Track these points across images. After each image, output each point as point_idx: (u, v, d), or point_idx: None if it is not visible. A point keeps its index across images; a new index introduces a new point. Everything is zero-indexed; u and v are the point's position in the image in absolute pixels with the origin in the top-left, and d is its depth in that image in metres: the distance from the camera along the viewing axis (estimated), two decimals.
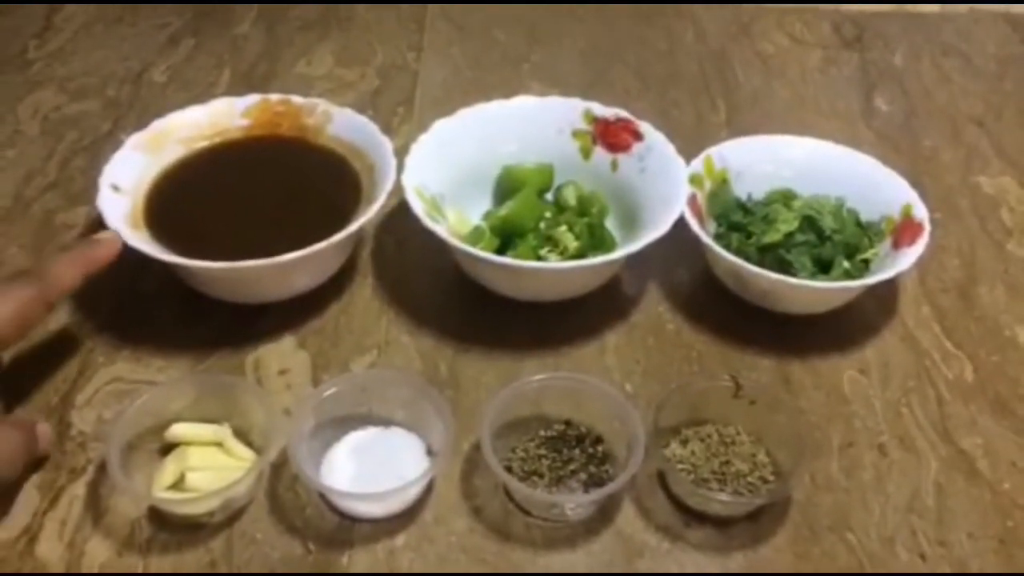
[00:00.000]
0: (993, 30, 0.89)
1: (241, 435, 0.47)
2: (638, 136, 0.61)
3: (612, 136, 0.61)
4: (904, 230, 0.57)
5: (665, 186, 0.57)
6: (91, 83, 0.77)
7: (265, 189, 0.59)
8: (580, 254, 0.56)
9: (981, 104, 0.79)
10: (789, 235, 0.57)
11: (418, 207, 0.53)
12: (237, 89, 0.75)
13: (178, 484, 0.45)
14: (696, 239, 0.55)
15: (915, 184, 0.59)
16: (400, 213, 0.58)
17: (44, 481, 0.47)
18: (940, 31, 0.88)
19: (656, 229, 0.53)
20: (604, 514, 0.47)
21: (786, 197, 0.60)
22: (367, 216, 0.53)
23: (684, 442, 0.49)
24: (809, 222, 0.57)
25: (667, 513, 0.47)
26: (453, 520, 0.46)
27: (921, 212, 0.57)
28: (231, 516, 0.46)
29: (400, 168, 0.56)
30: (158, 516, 0.45)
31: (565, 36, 0.85)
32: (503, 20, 0.88)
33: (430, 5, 0.89)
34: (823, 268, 0.56)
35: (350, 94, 0.76)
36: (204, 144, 0.60)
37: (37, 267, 0.48)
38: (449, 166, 0.59)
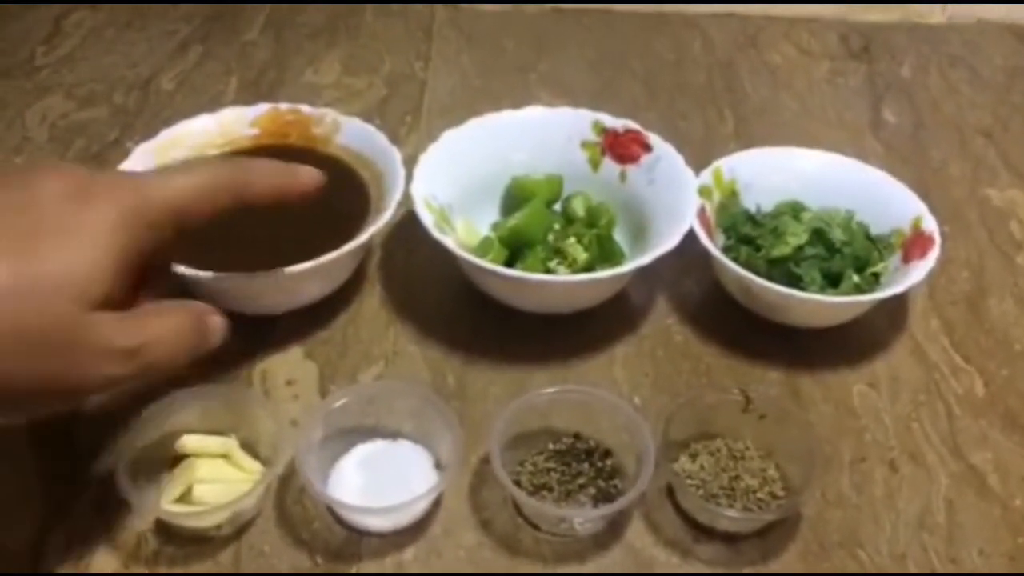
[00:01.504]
0: (1000, 42, 0.89)
1: (248, 447, 0.47)
2: (647, 147, 0.60)
3: (621, 147, 0.61)
4: (914, 243, 0.57)
5: (674, 198, 0.57)
6: (99, 90, 0.77)
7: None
8: (589, 266, 0.56)
9: (989, 116, 0.79)
10: (799, 248, 0.56)
11: (427, 218, 0.53)
12: (245, 96, 0.76)
13: (185, 497, 0.45)
14: (705, 251, 0.55)
15: (923, 196, 0.59)
16: (408, 223, 0.58)
17: (50, 493, 0.47)
18: (947, 42, 0.88)
19: (666, 241, 0.53)
20: (613, 529, 0.46)
21: (795, 209, 0.60)
22: (376, 226, 0.53)
23: (693, 456, 0.49)
24: (818, 235, 0.57)
25: (676, 528, 0.47)
26: (462, 534, 0.46)
27: (931, 225, 0.57)
28: (239, 529, 0.45)
29: (408, 178, 0.56)
30: (165, 529, 0.45)
31: (573, 45, 0.85)
32: (511, 29, 0.88)
33: (438, 14, 0.89)
34: (832, 281, 0.56)
35: (358, 102, 0.76)
36: (213, 153, 0.60)
37: (240, 160, 0.44)
38: (458, 176, 0.59)
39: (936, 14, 0.92)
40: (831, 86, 0.82)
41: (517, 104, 0.63)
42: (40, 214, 0.35)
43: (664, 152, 0.60)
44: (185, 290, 0.55)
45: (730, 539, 0.46)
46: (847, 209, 0.59)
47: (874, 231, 0.59)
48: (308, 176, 0.45)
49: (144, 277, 0.40)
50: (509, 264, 0.56)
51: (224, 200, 0.41)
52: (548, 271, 0.56)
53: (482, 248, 0.57)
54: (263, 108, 0.62)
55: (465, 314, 0.58)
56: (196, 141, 0.60)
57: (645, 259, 0.52)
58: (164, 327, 0.38)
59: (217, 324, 0.41)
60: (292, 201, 0.44)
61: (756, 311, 0.57)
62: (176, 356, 0.39)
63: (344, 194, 0.58)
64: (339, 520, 0.46)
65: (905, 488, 0.49)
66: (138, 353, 0.37)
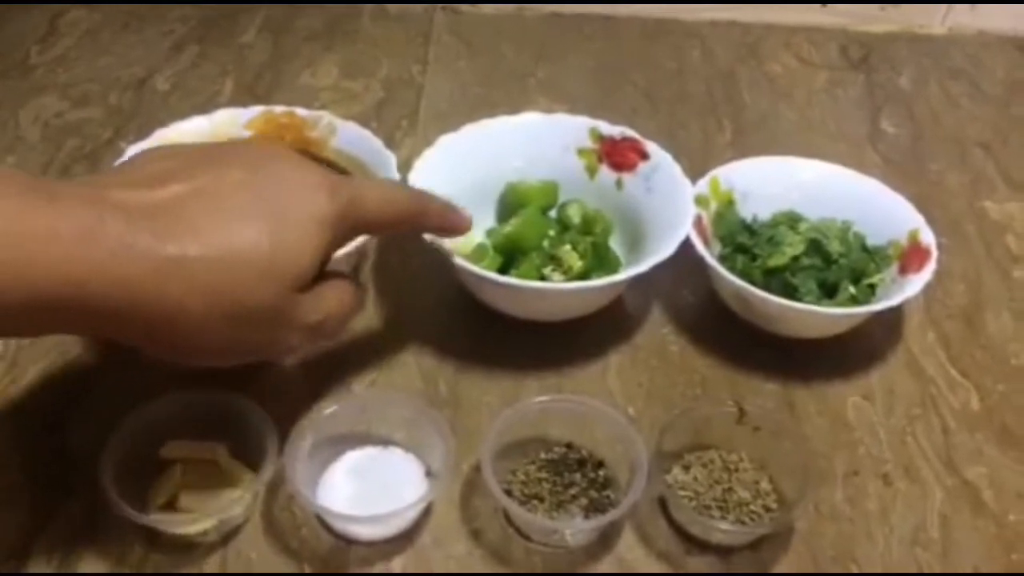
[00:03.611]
0: (1001, 54, 0.88)
1: (237, 454, 0.47)
2: (644, 156, 0.60)
3: (618, 155, 0.61)
4: (911, 256, 0.56)
5: (671, 207, 0.57)
6: (93, 90, 0.77)
7: None
8: (584, 274, 0.56)
9: (988, 128, 0.78)
10: (795, 258, 0.56)
11: None
12: (241, 99, 0.75)
13: (172, 503, 0.45)
14: (701, 260, 0.54)
15: (921, 208, 0.58)
16: None
17: (35, 498, 0.46)
18: (948, 54, 0.88)
19: (662, 250, 0.53)
20: (604, 540, 0.46)
21: (792, 220, 0.59)
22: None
23: (686, 468, 0.48)
24: (815, 246, 0.57)
25: (668, 540, 0.46)
26: (452, 543, 0.46)
27: (929, 238, 0.56)
28: (226, 536, 0.45)
29: (404, 183, 0.55)
30: (152, 535, 0.45)
31: (572, 53, 0.85)
32: (510, 35, 0.87)
33: (437, 19, 0.89)
34: (829, 292, 0.56)
35: (354, 106, 0.76)
36: None
37: (421, 191, 0.49)
38: (453, 182, 0.58)
39: (936, 25, 0.91)
40: (830, 96, 0.82)
41: (515, 110, 0.63)
42: (273, 195, 0.39)
43: (661, 160, 0.59)
44: None
45: (722, 552, 0.46)
46: (844, 220, 0.59)
47: (871, 242, 0.58)
48: (467, 220, 0.50)
49: None
50: (504, 271, 0.56)
51: (404, 226, 0.47)
52: (543, 278, 0.55)
53: (477, 254, 0.57)
54: (257, 110, 0.61)
55: (459, 321, 0.57)
56: (189, 142, 0.59)
57: (641, 268, 0.52)
58: (338, 301, 0.43)
59: (364, 295, 0.46)
60: (444, 235, 0.50)
61: (752, 321, 0.56)
62: (344, 325, 0.45)
63: None
64: (328, 528, 0.45)
65: (899, 503, 0.49)
66: (320, 327, 0.42)
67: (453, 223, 0.49)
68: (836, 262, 0.56)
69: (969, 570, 0.46)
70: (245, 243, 0.37)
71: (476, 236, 0.59)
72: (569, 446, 0.49)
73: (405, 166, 0.57)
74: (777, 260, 0.56)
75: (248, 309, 0.38)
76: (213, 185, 0.38)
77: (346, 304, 0.43)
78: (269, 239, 0.38)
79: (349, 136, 0.60)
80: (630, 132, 0.61)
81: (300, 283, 0.39)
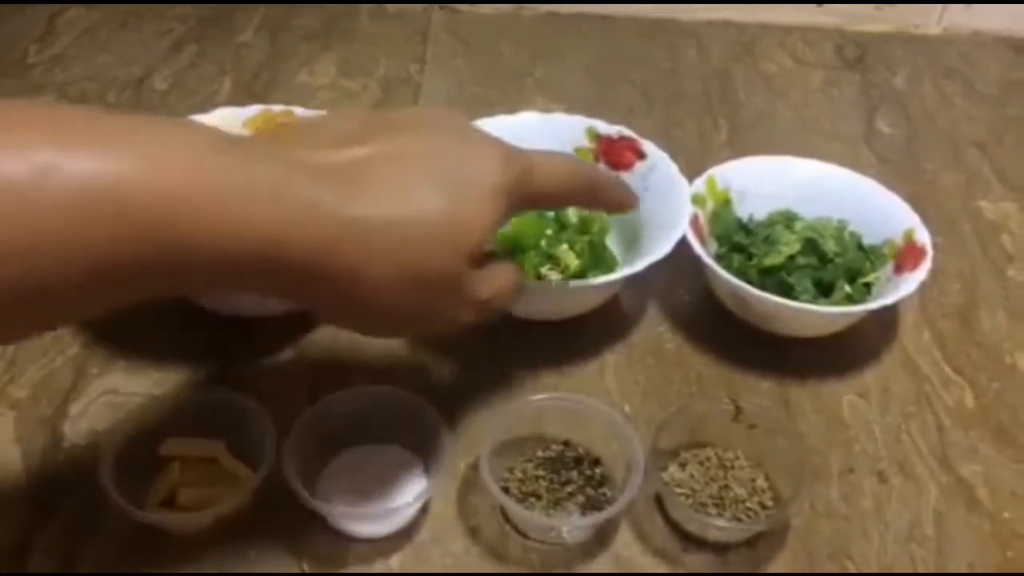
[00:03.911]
0: (996, 54, 0.89)
1: (236, 450, 0.47)
2: (641, 155, 0.60)
3: (615, 154, 0.61)
4: (907, 254, 0.57)
5: (667, 206, 0.57)
6: (91, 89, 0.77)
7: None
8: (581, 273, 0.56)
9: (983, 128, 0.79)
10: (791, 257, 0.56)
11: None
12: (239, 97, 0.75)
13: (171, 500, 0.45)
14: (697, 259, 0.55)
15: (916, 208, 0.59)
16: None
17: (35, 495, 0.46)
18: (942, 54, 0.88)
19: (658, 249, 0.53)
20: (601, 537, 0.46)
21: (788, 219, 0.60)
22: None
23: (683, 465, 0.48)
24: (811, 245, 0.57)
25: (665, 537, 0.46)
26: (449, 540, 0.46)
27: (924, 237, 0.57)
28: (224, 533, 0.45)
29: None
30: (151, 533, 0.45)
31: (569, 52, 0.85)
32: (508, 34, 0.88)
33: (434, 18, 0.89)
34: (824, 291, 0.56)
35: (352, 105, 0.76)
36: None
37: (592, 166, 0.50)
38: None
39: (932, 25, 0.92)
40: (826, 96, 0.82)
41: (512, 109, 0.63)
42: (452, 163, 0.38)
43: (658, 160, 0.59)
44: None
45: (718, 549, 0.46)
46: (840, 219, 0.59)
47: (867, 241, 0.59)
48: (636, 197, 0.49)
49: None
50: None
51: (574, 199, 0.46)
52: (540, 277, 0.56)
53: None
54: (255, 109, 0.62)
55: None
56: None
57: (637, 266, 0.52)
58: (505, 281, 0.43)
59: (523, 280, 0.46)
60: (612, 213, 0.50)
61: (748, 320, 0.57)
62: (507, 305, 0.44)
63: None
64: (326, 525, 0.46)
65: (894, 500, 0.49)
66: (488, 304, 0.42)
67: (623, 199, 0.48)
68: (832, 261, 0.57)
69: (964, 567, 0.46)
70: (427, 209, 0.37)
71: None
72: (566, 444, 0.49)
73: None
74: (773, 259, 0.56)
75: (427, 275, 0.37)
76: (394, 150, 0.38)
77: (513, 283, 0.43)
78: (449, 206, 0.37)
79: None
80: (627, 131, 0.61)
81: (476, 252, 0.39)
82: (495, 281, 0.42)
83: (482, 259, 0.40)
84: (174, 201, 0.32)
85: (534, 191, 0.42)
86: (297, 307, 0.41)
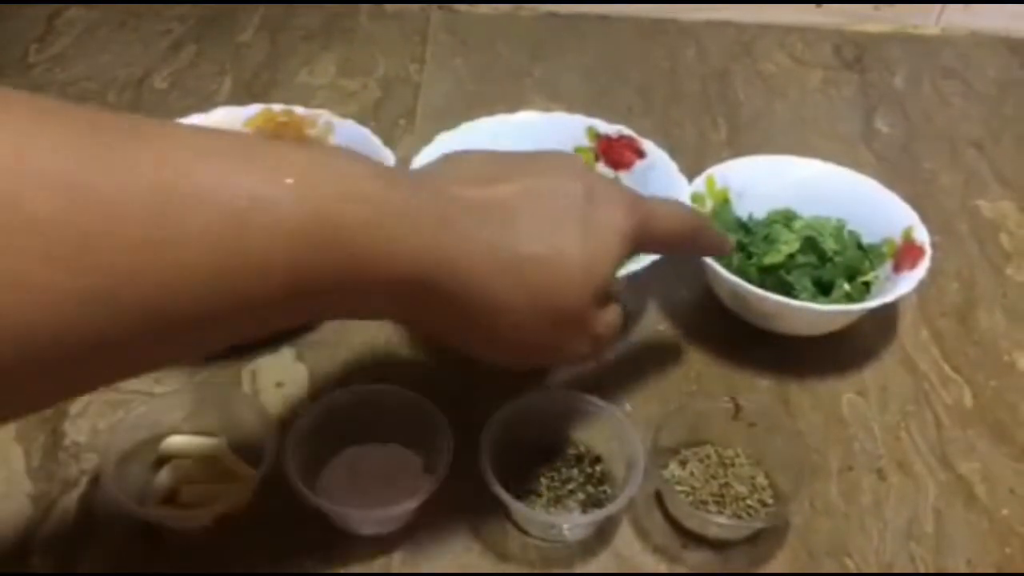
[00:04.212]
0: (993, 54, 0.89)
1: (237, 448, 0.47)
2: (640, 154, 0.61)
3: (615, 153, 0.61)
4: (905, 253, 0.57)
5: None
6: (92, 88, 0.77)
7: None
8: None
9: (981, 128, 0.79)
10: (790, 256, 0.57)
11: None
12: (239, 97, 0.75)
13: (173, 498, 0.45)
14: (697, 258, 0.55)
15: (915, 207, 0.59)
16: None
17: (37, 493, 0.46)
18: (940, 54, 0.89)
19: None
20: (601, 535, 0.46)
21: (787, 218, 0.60)
22: None
23: (683, 463, 0.49)
24: (810, 243, 0.57)
25: (665, 534, 0.47)
26: (450, 538, 0.46)
27: (922, 235, 0.57)
28: (226, 530, 0.45)
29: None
30: (152, 530, 0.45)
31: (568, 52, 0.86)
32: (507, 34, 0.88)
33: (433, 18, 0.89)
34: (823, 290, 0.56)
35: (352, 104, 0.76)
36: None
37: (699, 215, 0.51)
38: None
39: (930, 25, 0.92)
40: (824, 96, 0.82)
41: (511, 108, 0.63)
42: (585, 205, 0.40)
43: (657, 159, 0.60)
44: None
45: (718, 546, 0.46)
46: (839, 218, 0.59)
47: (866, 240, 0.59)
48: (731, 243, 0.52)
49: None
50: None
51: (683, 247, 0.48)
52: None
53: None
54: (256, 109, 0.62)
55: None
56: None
57: (637, 266, 0.52)
58: (615, 317, 0.43)
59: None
60: (710, 255, 0.52)
61: (747, 319, 0.57)
62: (615, 341, 0.45)
63: None
64: (327, 523, 0.46)
65: (893, 497, 0.49)
66: (603, 339, 0.42)
67: (722, 245, 0.50)
68: (831, 260, 0.57)
69: (962, 563, 0.46)
70: (567, 247, 0.38)
71: None
72: (567, 442, 0.49)
73: (403, 164, 0.57)
74: (773, 258, 0.56)
75: (561, 311, 0.39)
76: (536, 189, 0.39)
77: (619, 321, 0.44)
78: (585, 245, 0.39)
79: (347, 134, 0.60)
80: (627, 131, 0.61)
81: (603, 291, 0.40)
82: (609, 318, 0.43)
83: (604, 299, 0.41)
84: (366, 225, 0.33)
85: (651, 236, 0.43)
86: (427, 333, 0.43)
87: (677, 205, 0.49)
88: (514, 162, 0.41)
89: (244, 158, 0.31)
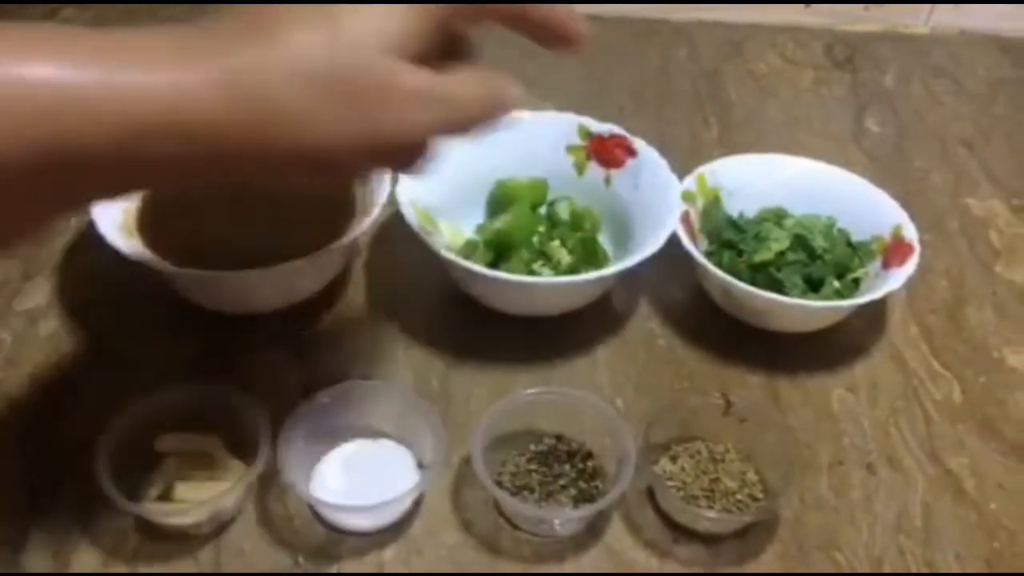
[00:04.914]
0: (983, 53, 0.90)
1: (231, 446, 0.47)
2: (632, 152, 0.61)
3: (606, 152, 0.62)
4: (894, 251, 0.57)
5: (658, 203, 0.57)
6: None
7: (259, 199, 0.58)
8: (573, 269, 0.57)
9: (971, 127, 0.79)
10: (780, 254, 0.57)
11: (413, 220, 0.54)
12: None
13: (167, 495, 0.45)
14: (688, 256, 0.55)
15: (905, 205, 0.59)
16: (393, 226, 0.58)
17: (31, 491, 0.47)
18: (931, 54, 0.89)
19: (649, 246, 0.53)
20: (593, 529, 0.47)
21: (777, 216, 0.60)
22: (362, 228, 0.53)
23: (674, 459, 0.49)
24: (800, 241, 0.58)
25: (656, 529, 0.47)
26: (443, 533, 0.46)
27: (911, 233, 0.57)
28: (219, 527, 0.45)
29: (394, 180, 0.56)
30: (146, 527, 0.45)
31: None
32: (499, 33, 0.88)
33: None
34: (813, 287, 0.57)
35: None
36: None
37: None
38: (442, 179, 0.59)
39: (920, 25, 0.93)
40: (815, 95, 0.83)
41: None
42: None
43: (649, 157, 0.60)
44: (171, 287, 0.55)
45: (709, 540, 0.47)
46: (829, 216, 0.60)
47: (855, 238, 0.59)
48: (583, 28, 0.43)
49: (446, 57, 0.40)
50: (494, 266, 0.56)
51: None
52: (532, 273, 0.56)
53: (467, 250, 0.57)
54: None
55: (449, 316, 0.58)
56: None
57: (628, 262, 0.53)
58: (464, 80, 0.39)
59: (513, 92, 0.42)
60: (553, 44, 0.43)
61: (738, 316, 0.57)
62: (474, 110, 0.40)
63: (329, 196, 0.58)
64: (320, 519, 0.46)
65: (883, 492, 0.49)
66: (439, 99, 0.37)
67: (568, 26, 0.42)
68: (821, 257, 0.57)
69: (951, 557, 0.47)
70: (311, 23, 0.35)
71: (466, 232, 0.60)
72: (558, 438, 0.49)
73: None
74: (763, 255, 0.57)
75: (345, 82, 0.35)
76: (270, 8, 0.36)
77: (479, 85, 0.39)
78: (331, 23, 0.35)
79: None
80: (618, 129, 0.62)
81: (392, 47, 0.36)
82: (449, 79, 0.38)
83: (427, 57, 0.37)
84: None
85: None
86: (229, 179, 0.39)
87: None
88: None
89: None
